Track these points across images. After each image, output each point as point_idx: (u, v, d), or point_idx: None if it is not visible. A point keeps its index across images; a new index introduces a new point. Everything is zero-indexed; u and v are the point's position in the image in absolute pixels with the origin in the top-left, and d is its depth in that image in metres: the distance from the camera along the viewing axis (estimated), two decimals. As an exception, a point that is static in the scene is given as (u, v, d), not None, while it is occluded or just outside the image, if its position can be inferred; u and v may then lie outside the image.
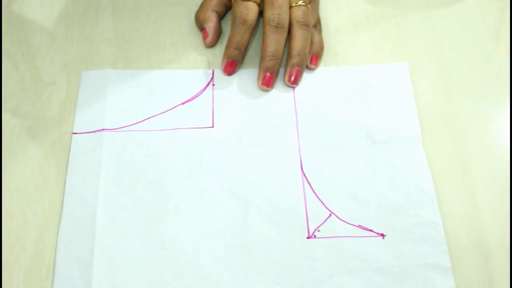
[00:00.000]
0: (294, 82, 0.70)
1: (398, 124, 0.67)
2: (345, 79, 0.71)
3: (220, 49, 0.74)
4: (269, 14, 0.69)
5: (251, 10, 0.69)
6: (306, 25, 0.69)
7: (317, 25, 0.73)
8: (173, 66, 0.73)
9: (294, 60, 0.69)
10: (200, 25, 0.74)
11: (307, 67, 0.71)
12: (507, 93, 0.70)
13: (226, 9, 0.76)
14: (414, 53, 0.73)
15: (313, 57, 0.71)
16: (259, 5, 0.70)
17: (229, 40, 0.70)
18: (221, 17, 0.75)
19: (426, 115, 0.68)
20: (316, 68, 0.72)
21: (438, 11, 0.77)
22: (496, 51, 0.73)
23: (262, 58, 0.69)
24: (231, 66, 0.71)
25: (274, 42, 0.68)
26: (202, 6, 0.75)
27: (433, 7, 0.77)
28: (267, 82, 0.70)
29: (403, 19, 0.76)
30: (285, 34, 0.69)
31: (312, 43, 0.71)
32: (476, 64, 0.72)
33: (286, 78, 0.70)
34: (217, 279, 0.58)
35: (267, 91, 0.70)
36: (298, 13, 0.69)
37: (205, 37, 0.73)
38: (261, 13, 0.73)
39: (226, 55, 0.70)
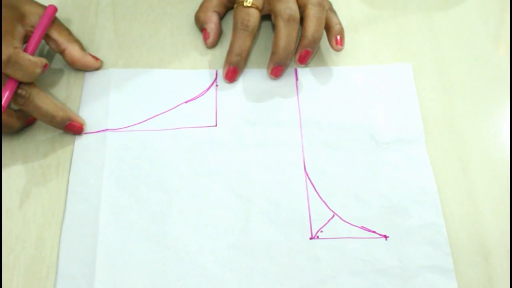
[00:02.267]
0: (302, 62, 0.70)
1: (402, 125, 0.67)
2: (348, 79, 0.71)
3: (220, 50, 0.74)
4: (279, 8, 0.68)
5: (253, 16, 0.69)
6: (320, 4, 0.68)
7: (331, 8, 0.72)
8: (173, 66, 0.73)
9: (306, 41, 0.68)
10: (201, 26, 0.74)
11: (334, 49, 0.71)
12: (507, 93, 0.70)
13: (226, 10, 0.76)
14: (415, 54, 0.73)
15: (337, 38, 0.70)
16: (260, 11, 0.70)
17: (231, 46, 0.70)
18: (221, 17, 0.75)
19: (426, 115, 0.68)
20: (342, 48, 0.71)
21: (438, 11, 0.77)
22: (496, 51, 0.73)
23: (273, 52, 0.69)
24: (233, 72, 0.70)
25: (286, 36, 0.68)
26: (202, 6, 0.75)
27: (433, 8, 0.77)
28: (275, 73, 0.70)
29: (403, 20, 0.76)
30: (297, 27, 0.68)
31: (331, 25, 0.70)
32: (476, 65, 0.72)
33: (296, 57, 0.70)
34: (220, 279, 0.58)
35: (274, 80, 0.71)
36: None
37: (206, 38, 0.73)
38: (264, 17, 0.73)
39: (227, 61, 0.70)
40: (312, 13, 0.68)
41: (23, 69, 0.62)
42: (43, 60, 0.64)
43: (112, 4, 0.78)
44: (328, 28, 0.70)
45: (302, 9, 0.69)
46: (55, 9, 0.69)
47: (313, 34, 0.68)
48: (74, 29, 0.74)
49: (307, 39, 0.68)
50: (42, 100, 0.64)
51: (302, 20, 0.69)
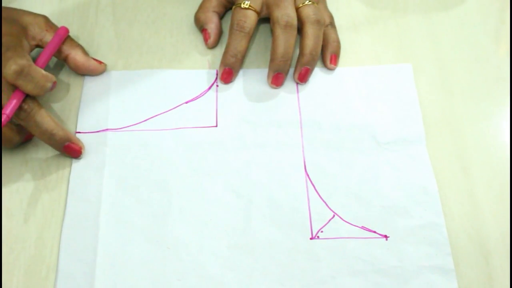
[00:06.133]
0: (302, 80, 0.70)
1: (402, 125, 0.67)
2: (349, 79, 0.71)
3: (220, 50, 0.73)
4: (277, 14, 0.68)
5: (249, 17, 0.69)
6: (318, 22, 0.69)
7: (332, 22, 0.73)
8: (173, 66, 0.73)
9: (305, 58, 0.69)
10: (201, 26, 0.74)
11: (327, 68, 0.72)
12: (507, 93, 0.70)
13: (225, 10, 0.76)
14: (415, 54, 0.73)
15: (332, 57, 0.71)
16: (259, 13, 0.70)
17: (226, 47, 0.70)
18: (221, 17, 0.75)
19: (426, 116, 0.68)
20: (336, 67, 0.72)
21: (438, 12, 0.77)
22: (496, 51, 0.73)
23: (272, 59, 0.69)
24: (228, 74, 0.70)
25: (284, 42, 0.68)
26: (202, 7, 0.75)
27: (433, 8, 0.77)
28: (276, 82, 0.70)
29: (403, 20, 0.76)
30: (295, 33, 0.69)
31: (328, 42, 0.71)
32: (476, 65, 0.72)
33: (296, 76, 0.70)
34: (220, 280, 0.58)
35: (275, 89, 0.71)
36: (308, 11, 0.69)
37: (207, 38, 0.73)
38: (263, 20, 0.74)
39: (223, 62, 0.70)
40: (310, 31, 0.69)
41: (35, 82, 0.62)
42: (53, 77, 0.64)
43: (112, 4, 0.78)
44: (324, 44, 0.71)
45: (300, 25, 0.69)
46: (67, 31, 0.70)
47: (311, 52, 0.69)
48: (74, 29, 0.74)
49: (306, 57, 0.69)
50: (43, 117, 0.63)
51: (299, 32, 0.70)
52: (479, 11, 0.77)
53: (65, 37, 0.69)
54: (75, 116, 0.68)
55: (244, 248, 0.60)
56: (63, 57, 0.70)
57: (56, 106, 0.69)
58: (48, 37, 0.68)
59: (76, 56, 0.70)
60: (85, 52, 0.71)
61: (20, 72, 0.61)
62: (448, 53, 0.73)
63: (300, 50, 0.70)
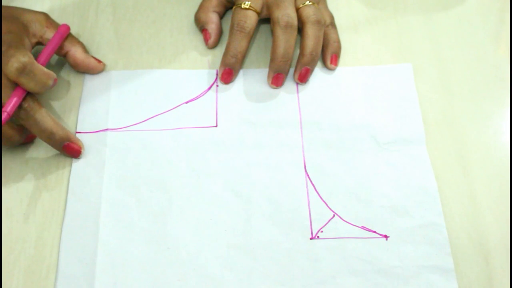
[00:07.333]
0: (303, 81, 0.70)
1: (402, 125, 0.67)
2: (349, 79, 0.71)
3: (220, 50, 0.73)
4: (277, 14, 0.69)
5: (250, 18, 0.69)
6: (318, 22, 0.69)
7: (332, 22, 0.74)
8: (173, 66, 0.73)
9: (306, 59, 0.69)
10: (201, 26, 0.74)
11: (327, 68, 0.72)
12: (507, 93, 0.70)
13: (225, 10, 0.76)
14: (415, 54, 0.73)
15: (333, 57, 0.71)
16: (259, 13, 0.70)
17: (227, 47, 0.70)
18: (221, 17, 0.75)
19: (426, 116, 0.68)
20: (336, 67, 0.72)
21: (438, 12, 0.77)
22: (496, 51, 0.73)
23: (272, 59, 0.69)
24: (228, 74, 0.70)
25: (284, 43, 0.68)
26: (202, 7, 0.75)
27: (433, 8, 0.77)
28: (276, 82, 0.70)
29: (403, 20, 0.76)
30: (295, 34, 0.69)
31: (329, 42, 0.72)
32: (476, 65, 0.72)
33: (296, 76, 0.70)
34: (220, 279, 0.58)
35: (275, 89, 0.71)
36: (309, 12, 0.69)
37: (207, 38, 0.73)
38: (264, 20, 0.74)
39: (223, 62, 0.70)
40: (311, 31, 0.69)
41: (36, 79, 0.62)
42: (54, 74, 0.64)
43: (112, 4, 0.78)
44: (325, 44, 0.71)
45: (301, 25, 0.69)
46: (68, 28, 0.70)
47: (311, 52, 0.69)
48: (74, 29, 0.74)
49: (306, 57, 0.69)
50: (43, 116, 0.63)
51: (299, 32, 0.70)
52: (479, 11, 0.77)
53: (66, 35, 0.69)
54: (75, 116, 0.68)
55: (244, 248, 0.60)
56: (63, 54, 0.70)
57: (56, 106, 0.69)
58: (49, 34, 0.68)
59: (75, 53, 0.70)
60: (85, 50, 0.71)
61: (22, 70, 0.61)
62: (448, 53, 0.73)
63: (301, 50, 0.70)
